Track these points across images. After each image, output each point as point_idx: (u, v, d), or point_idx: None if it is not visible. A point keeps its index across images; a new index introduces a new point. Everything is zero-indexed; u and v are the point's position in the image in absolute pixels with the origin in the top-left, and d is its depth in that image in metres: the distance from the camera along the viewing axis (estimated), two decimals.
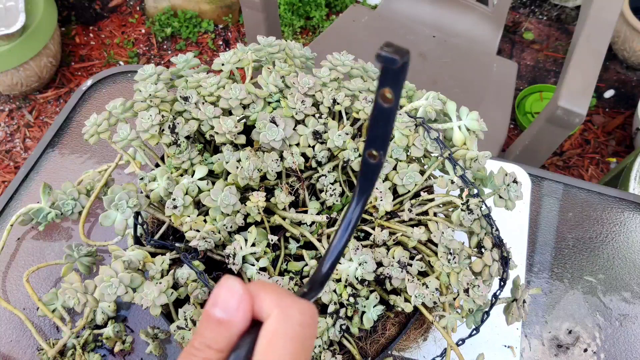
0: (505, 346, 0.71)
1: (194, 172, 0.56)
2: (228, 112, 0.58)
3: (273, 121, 0.55)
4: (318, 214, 0.57)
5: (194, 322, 0.51)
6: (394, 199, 0.57)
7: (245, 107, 0.58)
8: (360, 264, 0.51)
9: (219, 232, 0.52)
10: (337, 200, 0.57)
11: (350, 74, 0.62)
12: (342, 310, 0.50)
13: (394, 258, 0.53)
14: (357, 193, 0.30)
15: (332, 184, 0.57)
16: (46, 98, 1.94)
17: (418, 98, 0.61)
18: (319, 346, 0.50)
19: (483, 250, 0.53)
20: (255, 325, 0.25)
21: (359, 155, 0.56)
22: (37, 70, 1.83)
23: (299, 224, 0.57)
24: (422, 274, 0.55)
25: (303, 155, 0.57)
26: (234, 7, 2.11)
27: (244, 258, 0.52)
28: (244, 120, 0.58)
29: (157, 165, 0.60)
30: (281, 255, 0.57)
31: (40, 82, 1.90)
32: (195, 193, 0.55)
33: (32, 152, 0.94)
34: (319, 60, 0.63)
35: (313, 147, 0.57)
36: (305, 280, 0.52)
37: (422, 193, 0.57)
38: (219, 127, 0.55)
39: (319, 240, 0.56)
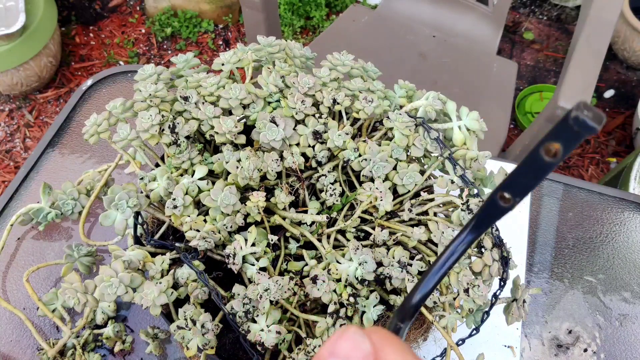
0: (505, 346, 0.71)
1: (194, 172, 0.56)
2: (228, 112, 0.58)
3: (273, 121, 0.55)
4: (318, 214, 0.57)
5: (193, 322, 0.51)
6: (394, 199, 0.57)
7: (245, 107, 0.58)
8: (360, 264, 0.51)
9: (219, 232, 0.52)
10: (337, 200, 0.57)
11: (350, 74, 0.62)
12: (342, 310, 0.50)
13: (394, 258, 0.53)
14: (470, 229, 0.28)
15: (332, 183, 0.57)
16: (46, 98, 1.94)
17: (418, 98, 0.61)
18: (319, 346, 0.50)
19: (483, 250, 0.53)
20: None
21: (359, 155, 0.56)
22: (37, 70, 1.83)
23: (299, 223, 0.57)
24: (422, 274, 0.55)
25: (303, 155, 0.57)
26: (234, 7, 2.11)
27: (244, 258, 0.52)
28: (244, 120, 0.58)
29: (157, 165, 0.60)
30: (281, 255, 0.57)
31: (40, 82, 1.90)
32: (195, 193, 0.55)
33: (32, 152, 0.94)
34: (319, 60, 0.63)
35: (313, 147, 0.57)
36: (305, 280, 0.52)
37: (422, 193, 0.57)
38: (219, 127, 0.55)
39: (319, 240, 0.56)
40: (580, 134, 0.21)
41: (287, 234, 0.58)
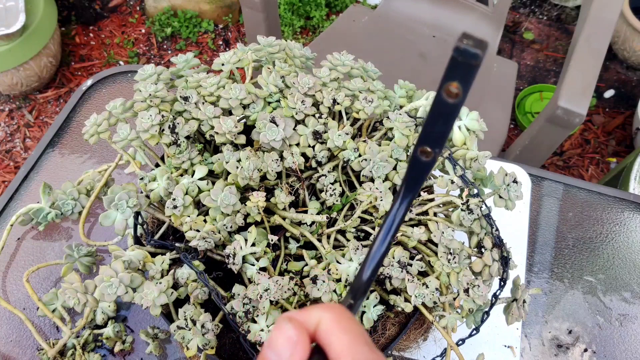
0: (505, 346, 0.71)
1: (194, 172, 0.56)
2: (228, 112, 0.58)
3: (273, 121, 0.55)
4: (318, 214, 0.57)
5: (193, 322, 0.51)
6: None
7: (245, 107, 0.58)
8: (360, 264, 0.51)
9: (219, 232, 0.52)
10: (337, 200, 0.57)
11: (350, 74, 0.62)
12: None
13: (394, 258, 0.53)
14: (403, 192, 0.27)
15: (332, 184, 0.57)
16: (46, 98, 1.94)
17: (418, 98, 0.61)
18: None
19: (483, 250, 0.53)
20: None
21: (359, 155, 0.56)
22: (37, 70, 1.83)
23: (299, 224, 0.57)
24: (422, 274, 0.55)
25: (303, 155, 0.57)
26: (234, 7, 2.11)
27: (244, 258, 0.52)
28: (244, 120, 0.58)
29: (157, 165, 0.60)
30: (281, 255, 0.57)
31: (40, 82, 1.90)
32: (195, 193, 0.55)
33: (32, 152, 0.94)
34: (319, 60, 0.63)
35: (313, 147, 0.57)
36: (305, 280, 0.52)
37: (422, 193, 0.57)
38: (219, 127, 0.55)
39: (319, 240, 0.56)
40: (468, 64, 0.21)
41: (287, 234, 0.58)
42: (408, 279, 0.52)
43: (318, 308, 0.25)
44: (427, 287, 0.52)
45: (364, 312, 0.52)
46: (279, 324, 0.24)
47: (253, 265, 0.52)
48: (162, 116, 0.55)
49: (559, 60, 2.09)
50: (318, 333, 0.24)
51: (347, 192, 0.59)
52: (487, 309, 0.54)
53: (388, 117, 0.58)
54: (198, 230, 0.52)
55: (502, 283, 0.54)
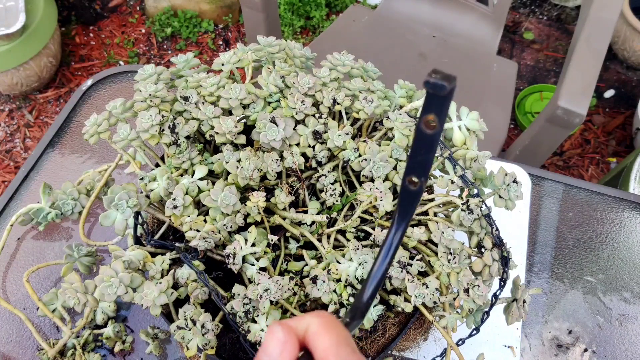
0: (505, 346, 0.71)
1: (194, 172, 0.56)
2: (228, 112, 0.58)
3: (273, 121, 0.55)
4: (318, 214, 0.57)
5: (193, 322, 0.51)
6: (394, 199, 0.56)
7: (245, 107, 0.58)
8: (360, 264, 0.51)
9: (219, 232, 0.52)
10: (337, 200, 0.57)
11: (350, 74, 0.62)
12: (342, 310, 0.50)
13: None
14: (397, 219, 0.30)
15: (332, 184, 0.57)
16: (46, 98, 1.94)
17: (418, 98, 0.61)
18: None
19: (483, 250, 0.53)
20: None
21: (359, 155, 0.56)
22: (37, 70, 1.83)
23: (299, 224, 0.57)
24: (422, 274, 0.55)
25: (303, 155, 0.57)
26: (234, 7, 2.11)
27: (244, 258, 0.52)
28: (244, 120, 0.58)
29: (157, 165, 0.60)
30: (281, 255, 0.57)
31: (40, 82, 1.90)
32: (195, 193, 0.55)
33: (32, 152, 0.94)
34: (319, 60, 0.63)
35: (313, 147, 0.57)
36: (305, 280, 0.52)
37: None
38: (219, 127, 0.55)
39: (319, 240, 0.56)
40: (438, 96, 0.23)
41: (287, 234, 0.58)
42: (408, 279, 0.52)
43: (308, 315, 0.26)
44: (427, 287, 0.52)
45: None
46: (270, 329, 0.26)
47: (253, 265, 0.52)
48: (162, 116, 0.55)
49: (559, 60, 2.09)
50: (306, 336, 0.26)
51: (347, 192, 0.59)
52: (487, 309, 0.54)
53: (388, 117, 0.58)
54: (198, 230, 0.52)
55: (502, 283, 0.54)
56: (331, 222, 0.58)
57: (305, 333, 0.26)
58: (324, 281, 0.50)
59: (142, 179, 0.55)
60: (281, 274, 0.55)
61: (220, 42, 2.10)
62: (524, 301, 0.55)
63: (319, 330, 0.25)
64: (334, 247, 0.56)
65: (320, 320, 0.26)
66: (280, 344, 0.25)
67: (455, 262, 0.52)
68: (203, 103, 0.57)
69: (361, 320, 0.30)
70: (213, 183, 0.55)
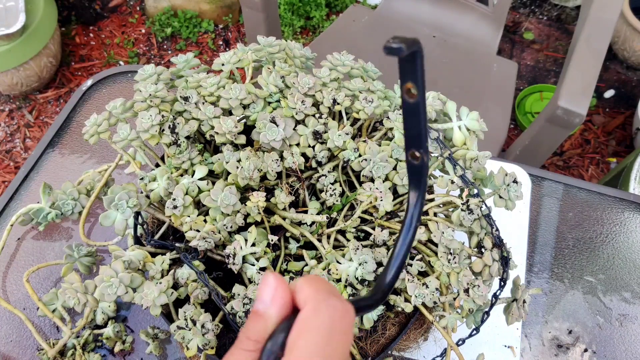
0: (505, 346, 0.71)
1: (194, 172, 0.56)
2: (228, 112, 0.58)
3: (273, 121, 0.55)
4: (318, 214, 0.57)
5: (193, 322, 0.51)
6: (394, 199, 0.56)
7: (245, 107, 0.58)
8: (360, 264, 0.51)
9: (219, 232, 0.52)
10: (337, 200, 0.57)
11: (350, 74, 0.62)
12: None
13: None
14: (411, 195, 0.30)
15: (332, 184, 0.57)
16: (46, 98, 1.94)
17: None
18: None
19: (483, 250, 0.53)
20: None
21: (359, 155, 0.56)
22: (37, 70, 1.83)
23: (299, 224, 0.57)
24: (422, 274, 0.55)
25: (303, 155, 0.57)
26: (234, 7, 2.11)
27: (244, 258, 0.52)
28: (244, 120, 0.58)
29: (157, 165, 0.60)
30: (281, 255, 0.57)
31: (40, 82, 1.90)
32: (195, 193, 0.55)
33: (32, 152, 0.94)
34: (319, 60, 0.63)
35: (313, 147, 0.57)
36: None
37: None
38: (219, 127, 0.55)
39: (319, 240, 0.56)
40: (408, 62, 0.24)
41: (287, 234, 0.58)
42: (408, 279, 0.52)
43: (305, 278, 0.28)
44: (427, 287, 0.52)
45: None
46: (264, 278, 0.28)
47: (253, 265, 0.52)
48: (162, 116, 0.55)
49: (559, 60, 2.09)
50: (293, 293, 0.27)
51: (347, 192, 0.59)
52: (487, 309, 0.54)
53: (388, 117, 0.58)
54: (198, 230, 0.52)
55: (502, 283, 0.54)
56: (331, 222, 0.58)
57: (293, 290, 0.27)
58: None
59: (142, 179, 0.55)
60: (281, 274, 0.55)
61: (220, 42, 2.10)
62: (524, 301, 0.55)
63: (302, 283, 0.27)
64: (334, 247, 0.56)
65: (306, 277, 0.28)
66: (272, 289, 0.27)
67: (455, 262, 0.52)
68: (203, 103, 0.57)
69: (384, 298, 0.30)
70: (213, 183, 0.55)
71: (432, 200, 0.57)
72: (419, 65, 0.24)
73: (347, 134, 0.56)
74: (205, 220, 0.53)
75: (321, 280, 0.27)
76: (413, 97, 0.25)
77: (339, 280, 0.52)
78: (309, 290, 0.26)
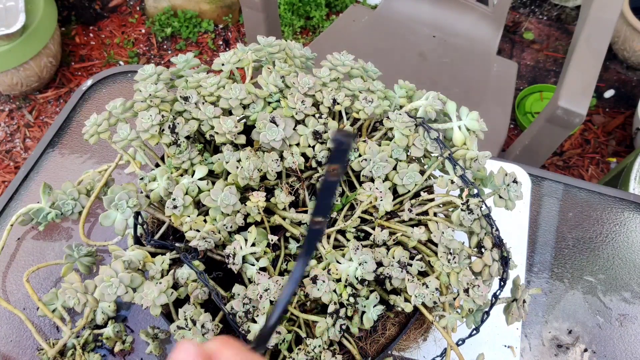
0: (505, 346, 0.71)
1: (194, 172, 0.56)
2: (228, 112, 0.58)
3: (273, 121, 0.55)
4: None
5: (193, 322, 0.51)
6: (394, 199, 0.56)
7: (245, 107, 0.58)
8: (360, 264, 0.51)
9: (219, 232, 0.52)
10: (337, 200, 0.57)
11: (350, 74, 0.62)
12: (342, 310, 0.50)
13: (394, 258, 0.53)
14: (303, 254, 0.34)
15: None
16: (46, 98, 1.94)
17: (418, 98, 0.61)
18: (319, 346, 0.50)
19: (483, 250, 0.53)
20: None
21: (359, 155, 0.56)
22: (37, 70, 1.83)
23: (299, 224, 0.57)
24: (422, 274, 0.55)
25: (303, 155, 0.57)
26: (234, 7, 2.11)
27: (244, 258, 0.52)
28: (244, 120, 0.58)
29: (157, 165, 0.60)
30: (281, 255, 0.57)
31: (40, 82, 1.90)
32: (195, 193, 0.55)
33: (32, 152, 0.94)
34: (319, 60, 0.63)
35: (313, 147, 0.57)
36: (305, 280, 0.52)
37: (422, 193, 0.57)
38: (219, 127, 0.55)
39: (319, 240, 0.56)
40: (338, 150, 0.30)
41: (287, 234, 0.58)
42: (408, 279, 0.52)
43: (211, 340, 0.29)
44: (427, 287, 0.51)
45: (364, 312, 0.52)
46: (181, 343, 0.29)
47: (253, 265, 0.52)
48: (162, 116, 0.55)
49: (559, 60, 2.09)
50: (211, 356, 0.28)
51: (347, 192, 0.59)
52: (487, 309, 0.54)
53: (388, 117, 0.58)
54: (198, 230, 0.52)
55: (502, 283, 0.54)
56: (331, 222, 0.58)
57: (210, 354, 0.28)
58: (324, 281, 0.50)
59: (142, 179, 0.55)
60: (281, 274, 0.55)
61: (220, 42, 2.10)
62: (524, 301, 0.55)
63: (220, 347, 0.28)
64: (334, 247, 0.56)
65: (221, 340, 0.29)
66: (191, 356, 0.28)
67: (455, 262, 0.52)
68: (203, 103, 0.57)
69: (266, 344, 0.33)
70: (213, 183, 0.55)
71: (432, 200, 0.57)
72: (349, 153, 0.27)
73: None
74: (205, 220, 0.53)
75: (236, 343, 0.28)
76: (335, 176, 0.30)
77: (339, 280, 0.52)
78: (229, 353, 0.27)
